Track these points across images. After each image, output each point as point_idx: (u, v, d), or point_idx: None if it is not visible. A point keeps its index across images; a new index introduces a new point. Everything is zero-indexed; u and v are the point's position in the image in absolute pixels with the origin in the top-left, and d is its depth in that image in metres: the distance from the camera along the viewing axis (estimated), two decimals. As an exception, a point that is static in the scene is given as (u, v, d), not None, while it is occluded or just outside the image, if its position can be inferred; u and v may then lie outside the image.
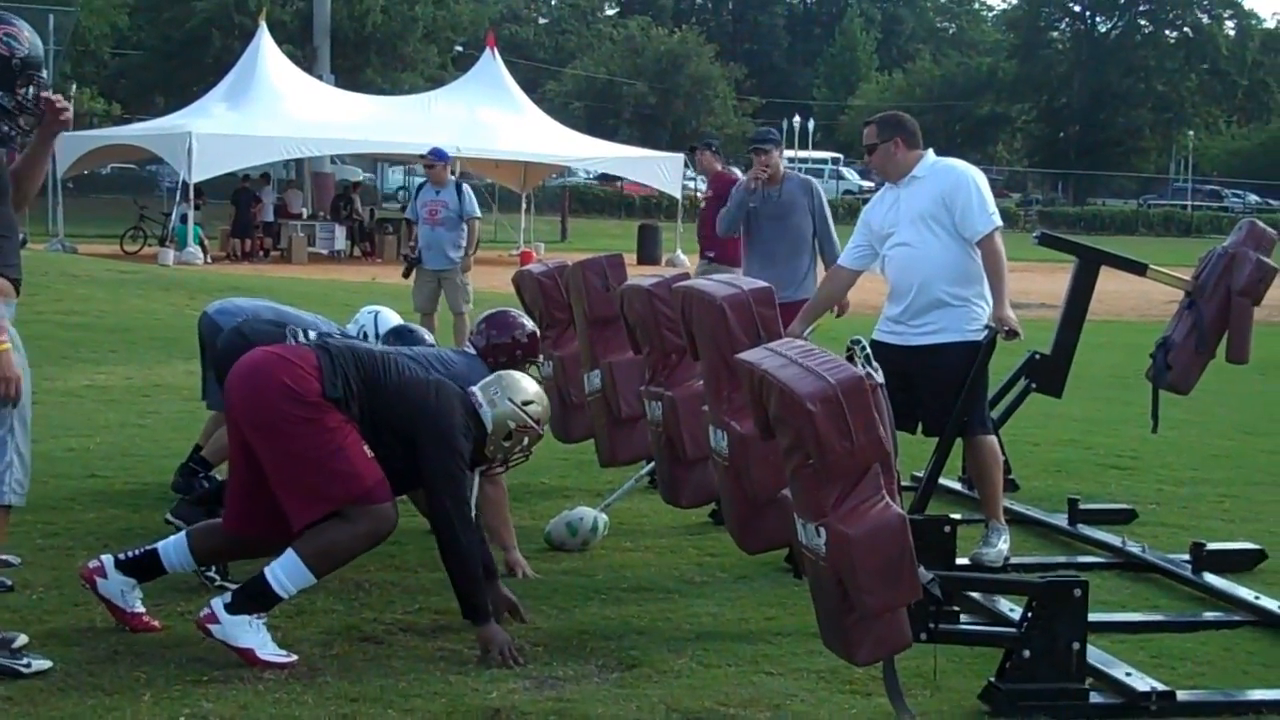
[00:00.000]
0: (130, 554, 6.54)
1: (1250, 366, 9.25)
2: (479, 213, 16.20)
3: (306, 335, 7.25)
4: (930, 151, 8.22)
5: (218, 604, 6.17)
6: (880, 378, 5.27)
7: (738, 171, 14.20)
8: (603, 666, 6.27)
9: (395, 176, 61.03)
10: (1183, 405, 9.69)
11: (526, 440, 6.79)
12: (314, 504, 6.22)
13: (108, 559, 6.50)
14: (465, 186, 16.24)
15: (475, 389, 6.75)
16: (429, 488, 6.47)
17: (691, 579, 7.76)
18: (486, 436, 6.66)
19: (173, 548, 6.57)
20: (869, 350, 5.50)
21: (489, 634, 6.33)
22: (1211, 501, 10.25)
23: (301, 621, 6.65)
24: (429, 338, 8.61)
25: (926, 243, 7.97)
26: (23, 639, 6.07)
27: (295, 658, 6.17)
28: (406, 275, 16.25)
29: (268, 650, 6.14)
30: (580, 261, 9.01)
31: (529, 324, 8.07)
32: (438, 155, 16.24)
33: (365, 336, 8.55)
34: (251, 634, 6.14)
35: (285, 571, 6.20)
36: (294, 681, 5.93)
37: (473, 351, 7.82)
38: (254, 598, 6.20)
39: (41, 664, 5.92)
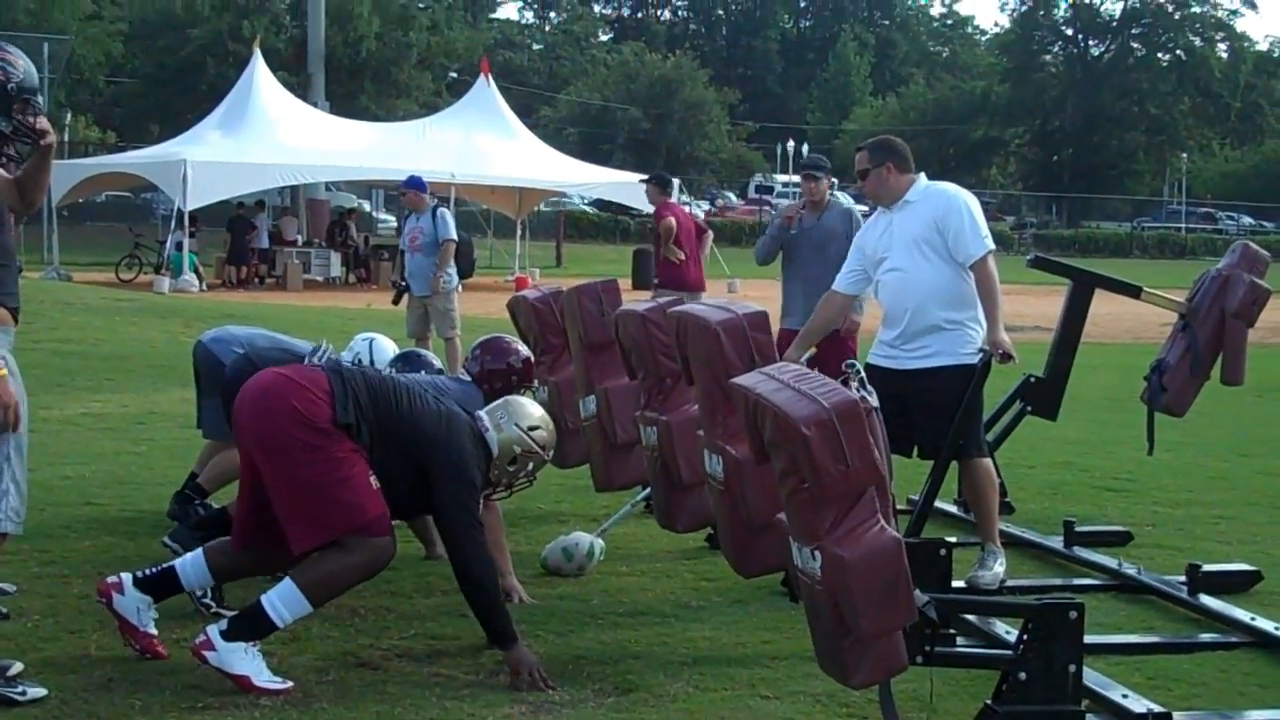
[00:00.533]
0: (148, 572, 6.55)
1: (1244, 388, 9.28)
2: (454, 235, 16.19)
3: (314, 358, 7.28)
4: (922, 175, 8.23)
5: (213, 631, 6.16)
6: (875, 401, 5.27)
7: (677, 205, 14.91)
8: (599, 691, 6.27)
9: (381, 214, 60.86)
10: (1178, 427, 9.71)
11: (531, 465, 6.82)
12: (315, 531, 6.21)
13: (126, 576, 6.49)
14: (441, 211, 16.33)
15: (482, 414, 6.77)
16: (442, 519, 6.50)
17: (688, 603, 7.76)
18: (491, 461, 6.68)
19: (190, 565, 6.58)
20: (863, 374, 5.51)
21: (518, 657, 6.33)
22: (1207, 523, 10.24)
23: (297, 648, 6.64)
24: (436, 362, 8.64)
25: (919, 267, 7.98)
26: (18, 666, 6.07)
27: (290, 684, 6.16)
28: (396, 302, 16.51)
29: (263, 678, 6.13)
30: (575, 287, 9.03)
31: (523, 350, 8.08)
32: (412, 184, 16.38)
33: (360, 364, 8.56)
34: (247, 661, 6.13)
35: (282, 600, 6.19)
36: (290, 708, 5.92)
37: (467, 378, 7.84)
38: (250, 625, 6.19)
39: (37, 691, 5.92)
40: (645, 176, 17.01)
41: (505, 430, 6.72)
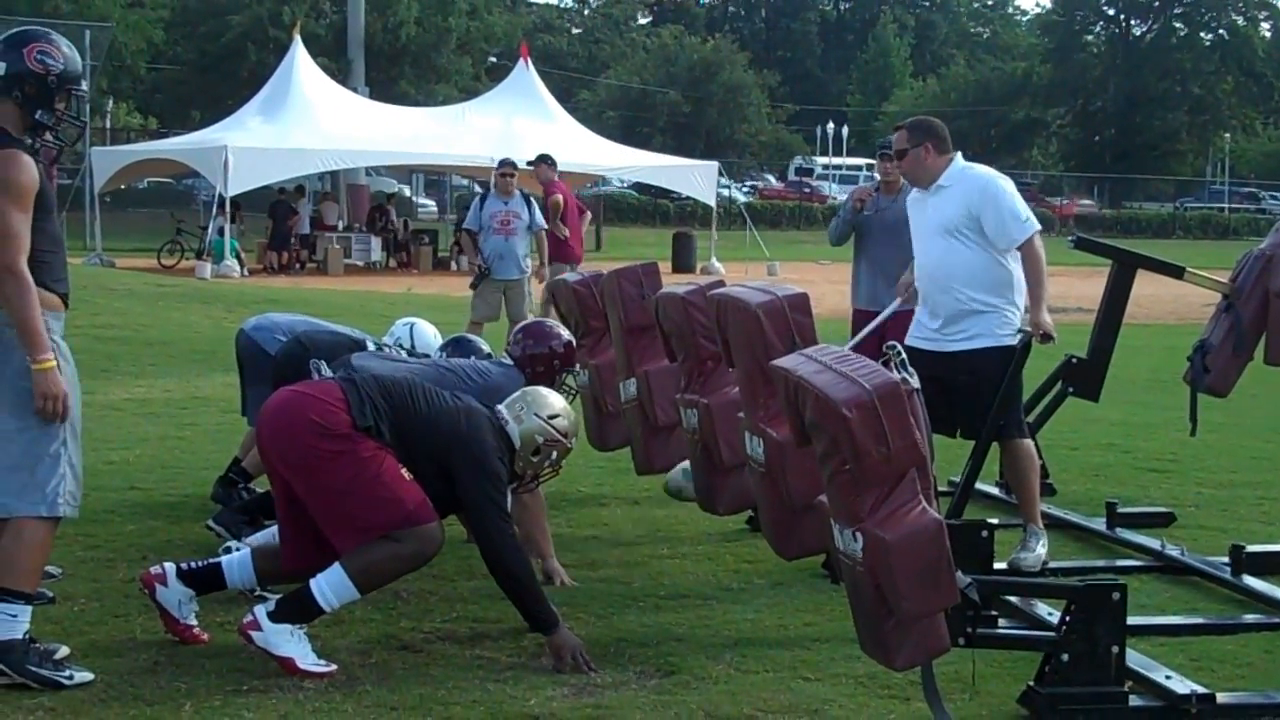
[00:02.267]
0: (193, 565, 6.58)
1: (1288, 368, 9.22)
2: (546, 224, 16.29)
3: (320, 372, 7.28)
4: (959, 156, 8.20)
5: (260, 611, 6.20)
6: (916, 383, 5.27)
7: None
8: (641, 673, 6.28)
9: (421, 199, 60.88)
10: (1220, 407, 9.65)
11: (555, 454, 6.83)
12: (359, 535, 6.25)
13: (170, 567, 6.53)
14: (532, 198, 16.29)
15: (501, 407, 6.78)
16: (471, 514, 6.57)
17: (729, 585, 7.76)
18: (514, 453, 6.70)
19: (236, 565, 6.62)
20: (904, 355, 5.51)
21: (560, 641, 6.35)
22: (1250, 504, 10.21)
23: (340, 631, 6.67)
24: (485, 346, 8.65)
25: (956, 252, 7.98)
26: (64, 650, 6.12)
27: (334, 667, 6.20)
28: (474, 286, 16.08)
29: (308, 660, 6.17)
30: (615, 270, 9.03)
31: (565, 333, 8.09)
32: (511, 165, 16.28)
33: (401, 348, 8.58)
34: (292, 643, 6.18)
35: (330, 586, 6.23)
36: (333, 690, 5.96)
37: (509, 362, 7.85)
38: (297, 609, 6.24)
39: (83, 676, 5.96)
40: (532, 159, 18.77)
41: (526, 421, 6.73)
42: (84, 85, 6.22)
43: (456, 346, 8.46)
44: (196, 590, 6.54)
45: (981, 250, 7.97)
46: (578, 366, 8.83)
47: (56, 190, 6.36)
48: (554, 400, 6.92)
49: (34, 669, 5.90)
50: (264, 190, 36.31)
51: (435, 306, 17.15)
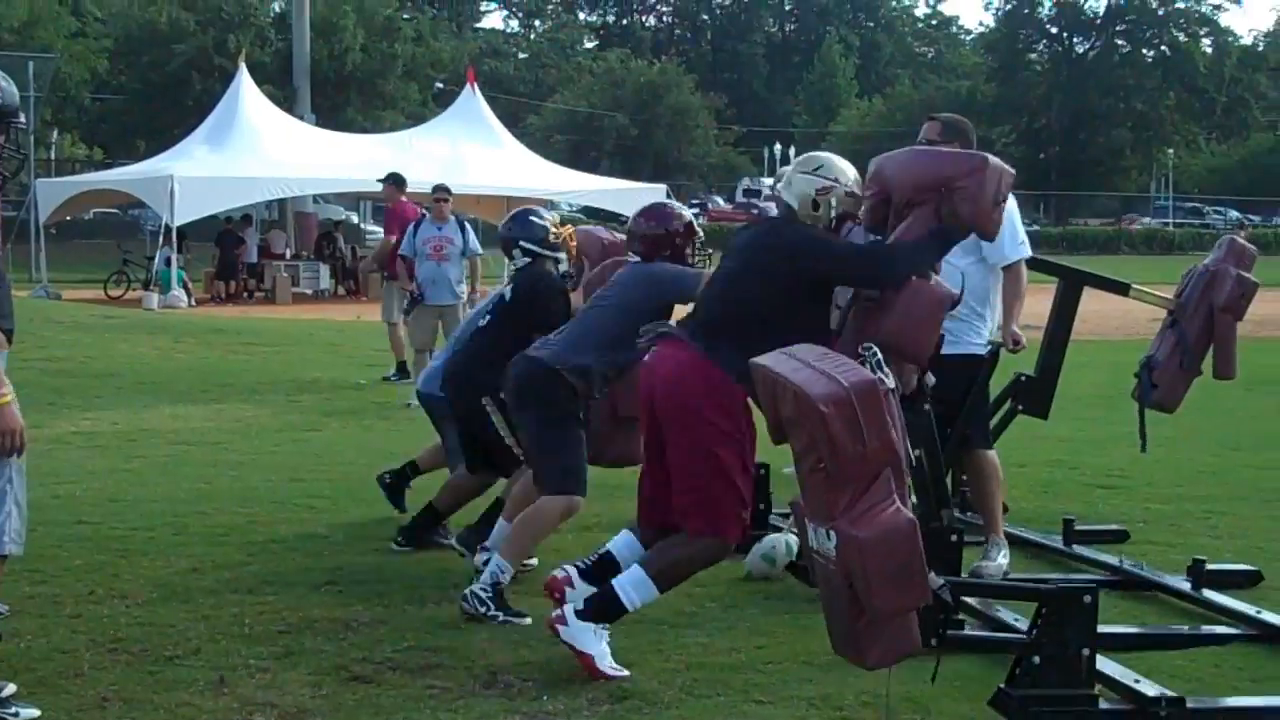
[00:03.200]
0: (588, 561, 6.94)
1: (1234, 382, 9.28)
2: (480, 249, 16.29)
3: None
4: None
5: (569, 609, 6.47)
6: (892, 382, 5.31)
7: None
8: (593, 699, 6.26)
9: (369, 226, 60.57)
10: (1168, 422, 9.71)
11: (834, 201, 6.86)
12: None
13: (572, 570, 6.86)
14: (466, 223, 16.29)
15: (777, 184, 7.05)
16: (882, 282, 6.68)
17: (681, 610, 7.74)
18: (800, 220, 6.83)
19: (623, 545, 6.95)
20: (880, 356, 5.53)
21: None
22: (1198, 518, 10.26)
23: (290, 662, 6.63)
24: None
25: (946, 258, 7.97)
26: (11, 688, 6.05)
27: (627, 673, 6.43)
28: (408, 313, 16.05)
29: (606, 662, 6.43)
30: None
31: (687, 215, 7.98)
32: (444, 191, 16.27)
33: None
34: (595, 642, 6.43)
35: (633, 585, 6.50)
36: (284, 723, 5.92)
37: (634, 259, 7.79)
38: (602, 608, 6.47)
39: (30, 713, 5.91)
40: (381, 177, 19.18)
41: (794, 182, 6.88)
42: (22, 118, 6.15)
43: (519, 221, 8.72)
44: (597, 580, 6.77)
45: (970, 258, 8.01)
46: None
47: (1, 223, 6.31)
48: (818, 155, 7.09)
49: None
50: (211, 220, 36.14)
51: (384, 333, 17.09)
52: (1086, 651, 5.80)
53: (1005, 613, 6.95)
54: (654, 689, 6.36)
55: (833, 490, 5.19)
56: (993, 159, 7.00)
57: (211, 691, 6.22)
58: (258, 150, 34.53)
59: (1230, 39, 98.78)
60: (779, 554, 8.35)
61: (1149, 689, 5.99)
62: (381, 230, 20.90)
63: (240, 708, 6.07)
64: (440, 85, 68.39)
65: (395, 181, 18.75)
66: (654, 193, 39.33)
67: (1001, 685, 5.86)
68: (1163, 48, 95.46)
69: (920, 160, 7.21)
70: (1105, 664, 6.11)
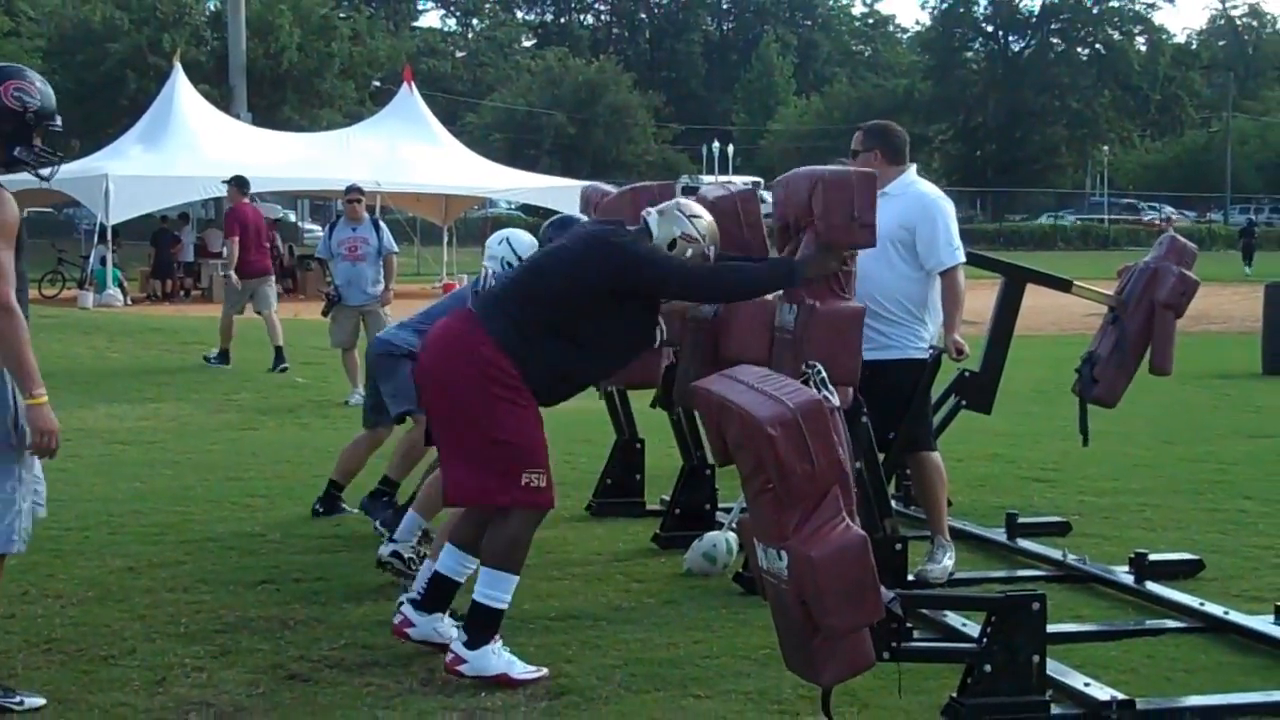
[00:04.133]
0: (420, 592, 6.85)
1: (1168, 376, 9.35)
2: (396, 248, 16.22)
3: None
4: (912, 169, 8.29)
5: (458, 646, 6.40)
6: (836, 401, 5.32)
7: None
8: (531, 695, 6.26)
9: (307, 224, 60.36)
10: (1102, 416, 9.77)
11: (689, 253, 6.82)
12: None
13: (406, 607, 6.75)
14: (381, 222, 16.26)
15: (651, 210, 6.95)
16: (694, 297, 7.04)
17: (618, 605, 7.76)
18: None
19: (447, 558, 6.81)
20: (824, 374, 5.54)
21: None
22: (1133, 511, 10.33)
23: (227, 661, 6.60)
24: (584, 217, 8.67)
25: (880, 265, 7.97)
26: None
27: (545, 670, 6.41)
28: (326, 313, 16.05)
29: (518, 669, 6.40)
30: (632, 186, 8.97)
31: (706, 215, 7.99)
32: (357, 191, 16.22)
33: (507, 264, 8.48)
34: (498, 660, 6.39)
35: (490, 585, 6.46)
36: (220, 722, 5.90)
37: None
38: (481, 625, 6.41)
39: (34, 700, 5.97)
40: (227, 178, 20.59)
41: (667, 214, 6.86)
42: (58, 120, 6.24)
43: (561, 226, 8.41)
44: (439, 610, 6.73)
45: (908, 265, 8.06)
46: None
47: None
48: (699, 207, 7.04)
49: None
50: (146, 219, 35.91)
51: (322, 331, 17.00)
52: (1037, 658, 5.83)
53: (953, 617, 6.98)
54: (591, 685, 6.37)
55: (782, 510, 5.19)
56: (856, 173, 7.07)
57: (147, 691, 6.18)
58: (194, 149, 34.30)
59: (1164, 37, 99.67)
60: (720, 552, 8.36)
61: (1099, 693, 6.02)
62: (317, 228, 21.14)
63: (176, 707, 6.04)
64: (377, 84, 68.05)
65: (238, 184, 20.12)
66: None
67: (953, 695, 5.89)
68: (1097, 46, 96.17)
69: (796, 181, 7.30)
70: (1056, 669, 6.14)
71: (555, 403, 6.68)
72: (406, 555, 7.83)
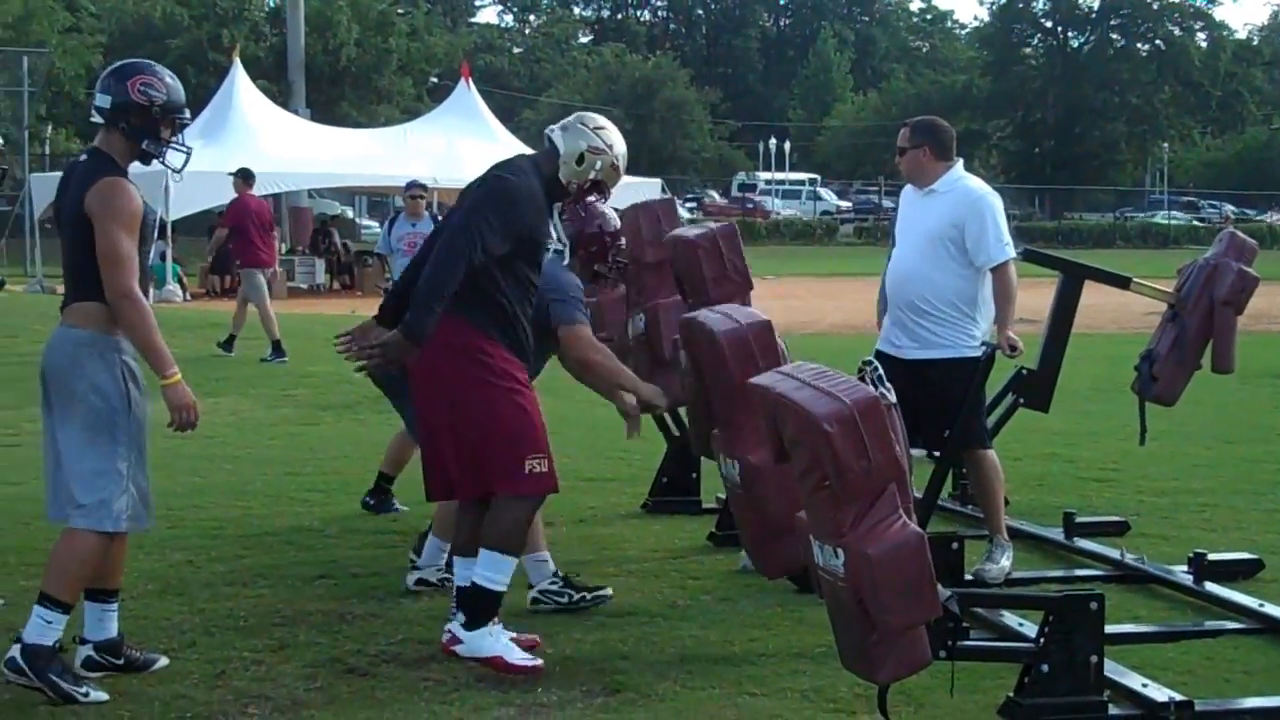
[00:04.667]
0: (453, 609, 6.72)
1: (1230, 375, 9.29)
2: None
3: None
4: (959, 164, 8.27)
5: (455, 627, 6.46)
6: (893, 397, 5.32)
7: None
8: (587, 692, 6.27)
9: (365, 220, 60.58)
10: (1163, 415, 9.72)
11: (599, 165, 6.80)
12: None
13: (453, 626, 6.61)
14: (440, 219, 16.30)
15: (554, 127, 6.92)
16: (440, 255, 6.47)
17: (674, 602, 7.76)
18: (558, 164, 6.76)
19: (460, 568, 6.75)
20: (880, 370, 5.55)
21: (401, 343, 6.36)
22: (1193, 511, 10.27)
23: (285, 655, 6.64)
24: None
25: (929, 261, 8.02)
26: (164, 661, 6.39)
27: (540, 662, 6.42)
28: None
29: (514, 655, 6.40)
30: (635, 205, 9.01)
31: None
32: (418, 187, 16.26)
33: None
34: (494, 643, 6.41)
35: (489, 568, 6.46)
36: (278, 715, 5.94)
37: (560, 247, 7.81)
38: (479, 606, 6.43)
39: (99, 695, 6.05)
40: (232, 171, 20.99)
41: (570, 130, 6.82)
42: (187, 114, 6.48)
43: None
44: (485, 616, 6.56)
45: (958, 263, 8.04)
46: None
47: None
48: (602, 119, 7.01)
49: (54, 679, 6.01)
50: (204, 214, 36.10)
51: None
52: (1095, 658, 5.81)
53: (1010, 617, 6.95)
54: (648, 682, 6.37)
55: (838, 508, 5.20)
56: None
57: (206, 684, 6.23)
58: (252, 145, 34.46)
59: (1225, 33, 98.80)
60: None
61: (1158, 694, 6.00)
62: (375, 224, 21.22)
63: (235, 700, 6.08)
64: (435, 80, 68.33)
65: (243, 176, 20.60)
66: (649, 187, 39.37)
67: (1010, 695, 5.88)
68: (1157, 42, 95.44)
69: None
70: (1114, 670, 6.12)
71: (541, 363, 6.69)
72: (434, 580, 7.82)
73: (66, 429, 6.15)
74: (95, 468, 6.09)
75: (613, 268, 7.90)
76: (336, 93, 58.25)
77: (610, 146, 6.84)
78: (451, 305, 6.35)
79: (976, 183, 8.38)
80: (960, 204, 8.10)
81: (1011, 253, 8.11)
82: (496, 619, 6.48)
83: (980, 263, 8.03)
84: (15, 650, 6.08)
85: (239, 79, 36.72)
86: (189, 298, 33.13)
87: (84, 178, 6.19)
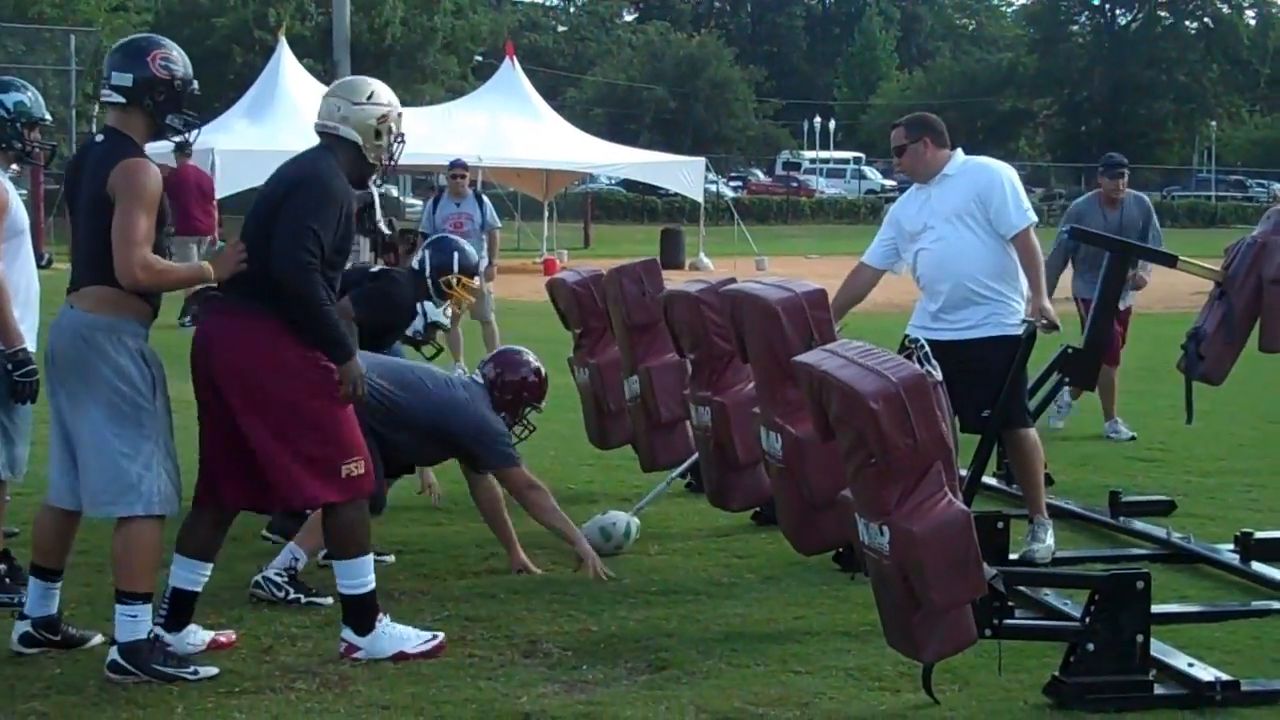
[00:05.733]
0: (163, 613, 6.38)
1: (1277, 354, 9.23)
2: (500, 223, 16.27)
3: None
4: (960, 150, 8.30)
5: (348, 635, 6.35)
6: (939, 375, 5.32)
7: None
8: (632, 669, 6.30)
9: (409, 199, 60.64)
10: (1209, 395, 9.67)
11: (393, 126, 6.59)
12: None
13: (158, 630, 6.27)
14: (485, 198, 16.32)
15: (327, 121, 6.66)
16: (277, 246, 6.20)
17: (719, 580, 7.78)
18: (361, 156, 6.55)
19: (180, 569, 6.46)
20: (927, 349, 5.54)
21: (350, 370, 6.25)
22: (1239, 491, 10.24)
23: (331, 632, 6.65)
24: (471, 249, 8.87)
25: (961, 238, 8.04)
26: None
27: (440, 636, 6.43)
28: None
29: (413, 643, 6.37)
30: (616, 268, 9.05)
31: (541, 367, 8.08)
32: (460, 166, 16.27)
33: None
34: (390, 639, 6.35)
35: (348, 577, 6.35)
36: (325, 690, 5.97)
37: (481, 381, 7.87)
38: (360, 612, 6.36)
39: (208, 670, 6.12)
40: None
41: (349, 115, 6.54)
42: (196, 84, 6.47)
43: (437, 247, 8.78)
44: (182, 622, 6.42)
45: (988, 237, 8.06)
46: (579, 366, 8.96)
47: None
48: (362, 83, 6.77)
49: (159, 667, 6.06)
50: (252, 192, 36.25)
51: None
52: (1141, 637, 5.80)
53: (1053, 596, 6.94)
54: (692, 659, 6.40)
55: (884, 486, 5.21)
56: None
57: (255, 659, 6.28)
58: (298, 124, 34.27)
59: (1275, 10, 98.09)
60: (617, 531, 8.34)
61: (1204, 673, 5.98)
62: (419, 203, 21.18)
63: (282, 675, 6.13)
64: (479, 58, 68.31)
65: (179, 148, 20.78)
66: (693, 165, 39.39)
67: (1056, 673, 5.87)
68: (1205, 19, 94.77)
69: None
70: (1159, 649, 6.10)
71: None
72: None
73: (89, 417, 6.09)
74: (125, 452, 6.07)
75: (526, 427, 8.08)
76: (381, 71, 58.16)
77: (390, 103, 6.65)
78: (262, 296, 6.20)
79: (986, 159, 8.51)
80: (977, 178, 8.17)
81: (1033, 218, 8.17)
82: (382, 614, 6.37)
83: (1004, 231, 8.05)
84: (114, 652, 6.09)
85: (285, 58, 36.78)
86: (234, 276, 33.23)
87: (104, 159, 6.11)
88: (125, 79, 6.21)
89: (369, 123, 6.53)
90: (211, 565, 6.55)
